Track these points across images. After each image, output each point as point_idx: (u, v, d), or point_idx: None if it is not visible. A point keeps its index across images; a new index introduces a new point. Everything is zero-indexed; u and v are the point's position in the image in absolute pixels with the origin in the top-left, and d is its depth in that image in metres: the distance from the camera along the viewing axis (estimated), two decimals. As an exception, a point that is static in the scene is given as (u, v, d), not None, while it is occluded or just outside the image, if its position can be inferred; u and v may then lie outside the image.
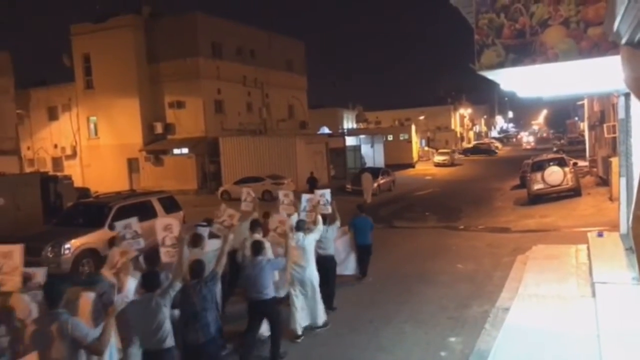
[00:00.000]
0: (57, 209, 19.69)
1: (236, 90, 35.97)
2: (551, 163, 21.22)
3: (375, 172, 28.54)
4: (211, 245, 7.86)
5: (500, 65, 6.04)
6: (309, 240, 8.33)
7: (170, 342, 5.42)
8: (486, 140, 77.37)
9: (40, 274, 6.17)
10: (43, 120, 37.51)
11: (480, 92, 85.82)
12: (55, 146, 36.96)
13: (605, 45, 5.53)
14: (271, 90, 39.18)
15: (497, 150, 63.60)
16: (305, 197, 9.47)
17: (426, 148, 61.17)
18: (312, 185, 23.57)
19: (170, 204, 15.14)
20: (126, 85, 33.46)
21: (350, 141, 41.31)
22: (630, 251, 8.87)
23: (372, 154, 43.74)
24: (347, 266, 10.85)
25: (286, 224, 8.27)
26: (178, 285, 5.52)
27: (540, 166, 21.36)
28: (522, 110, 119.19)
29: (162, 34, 33.71)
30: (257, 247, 7.32)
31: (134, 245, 7.36)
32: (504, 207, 21.49)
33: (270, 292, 7.19)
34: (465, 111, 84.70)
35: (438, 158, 49.24)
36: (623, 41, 4.73)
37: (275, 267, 7.46)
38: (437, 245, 14.60)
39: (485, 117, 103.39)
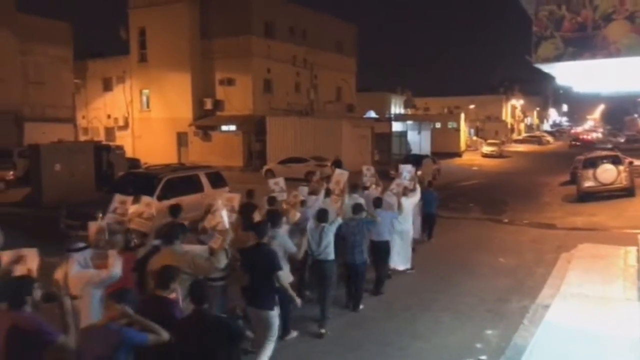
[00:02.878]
0: (109, 177, 20.42)
1: (285, 70, 36.13)
2: (604, 160, 20.47)
3: (418, 160, 28.19)
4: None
5: (558, 58, 5.88)
6: (410, 202, 10.65)
7: (332, 255, 7.75)
8: (537, 134, 75.08)
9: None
10: (98, 91, 38.68)
11: (534, 83, 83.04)
12: (109, 116, 38.08)
13: (671, 42, 5.32)
14: (320, 72, 39.13)
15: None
16: (406, 168, 11.61)
17: (475, 138, 59.94)
18: (338, 166, 25.19)
19: (217, 179, 15.45)
20: (179, 60, 34.07)
21: (396, 127, 40.68)
22: (683, 257, 8.58)
23: (419, 140, 43.02)
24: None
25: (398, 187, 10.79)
26: (340, 221, 7.99)
27: (592, 163, 20.56)
28: (577, 104, 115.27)
29: (216, 11, 34.06)
30: (378, 203, 9.55)
31: (280, 197, 9.56)
32: (551, 202, 20.96)
33: (386, 236, 9.41)
34: (517, 102, 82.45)
35: (486, 149, 48.08)
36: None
37: (392, 217, 9.70)
38: (479, 238, 14.45)
39: (537, 109, 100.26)
